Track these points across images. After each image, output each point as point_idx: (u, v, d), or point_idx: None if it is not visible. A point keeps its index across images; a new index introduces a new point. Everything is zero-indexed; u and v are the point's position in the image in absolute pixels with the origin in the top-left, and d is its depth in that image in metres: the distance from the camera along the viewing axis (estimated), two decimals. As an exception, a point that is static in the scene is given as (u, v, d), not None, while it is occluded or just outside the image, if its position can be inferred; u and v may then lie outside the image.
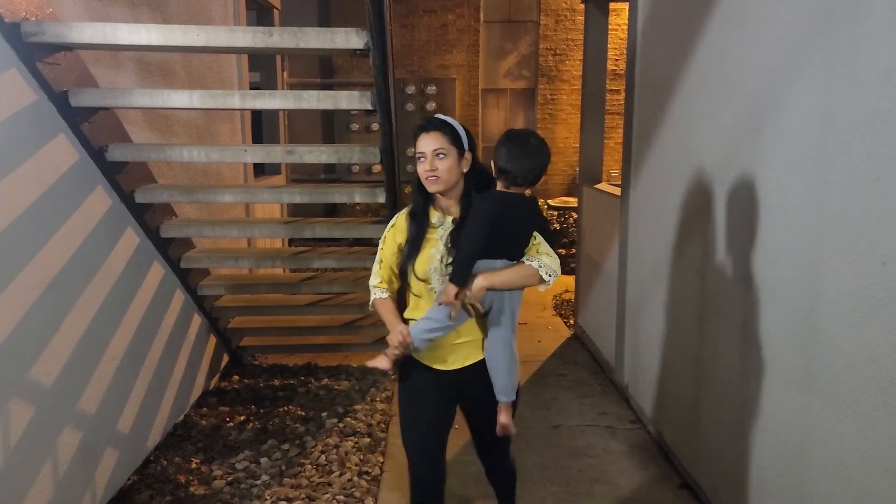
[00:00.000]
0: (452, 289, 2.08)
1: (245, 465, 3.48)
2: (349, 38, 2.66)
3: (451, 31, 10.67)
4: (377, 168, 9.91)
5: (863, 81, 1.90)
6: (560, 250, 8.06)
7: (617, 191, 4.50)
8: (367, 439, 3.74)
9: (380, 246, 2.35)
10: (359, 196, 3.50)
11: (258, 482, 3.31)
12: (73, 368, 2.83)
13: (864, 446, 1.91)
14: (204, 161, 3.50)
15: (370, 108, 2.95)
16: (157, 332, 3.67)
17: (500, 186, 2.16)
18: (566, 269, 7.70)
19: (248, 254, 4.32)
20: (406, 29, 10.56)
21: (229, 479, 3.35)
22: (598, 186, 5.14)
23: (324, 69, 10.70)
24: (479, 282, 2.10)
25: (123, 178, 3.19)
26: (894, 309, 1.78)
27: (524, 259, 2.17)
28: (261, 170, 6.62)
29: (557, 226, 8.42)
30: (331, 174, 10.53)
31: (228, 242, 4.86)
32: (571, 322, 5.90)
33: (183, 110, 4.14)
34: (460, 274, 2.09)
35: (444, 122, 2.18)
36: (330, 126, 10.68)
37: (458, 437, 3.71)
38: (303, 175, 10.16)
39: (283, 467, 3.45)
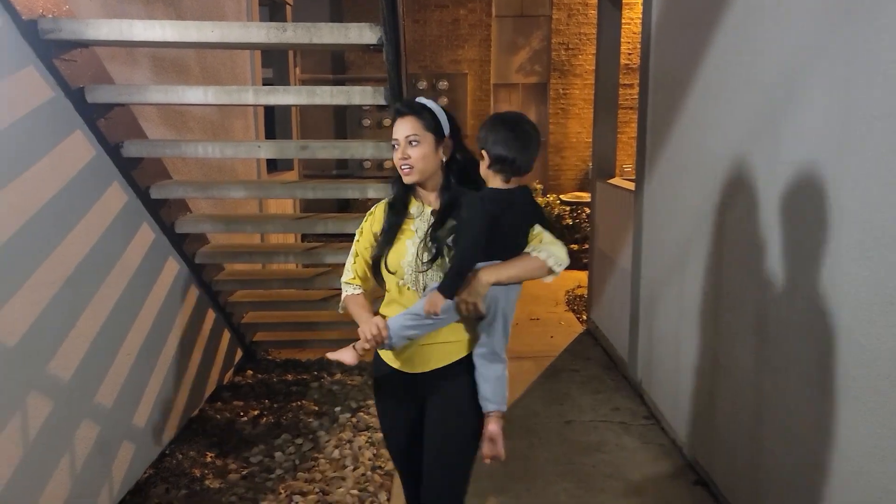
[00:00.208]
0: (439, 299, 1.88)
1: (259, 458, 3.50)
2: (363, 34, 2.66)
3: (463, 26, 10.64)
4: (389, 164, 9.92)
5: (883, 74, 1.87)
6: (573, 246, 8.06)
7: (631, 186, 4.48)
8: (380, 434, 3.75)
9: (356, 238, 2.18)
10: (371, 191, 3.50)
11: (273, 476, 3.33)
12: (90, 363, 2.85)
13: (884, 445, 1.89)
14: (218, 157, 3.52)
15: (383, 103, 2.95)
16: (172, 327, 3.69)
17: (494, 178, 1.95)
18: (579, 265, 7.68)
19: (261, 249, 4.34)
20: (418, 24, 10.54)
21: (244, 472, 3.37)
22: (612, 181, 5.12)
23: (336, 65, 10.71)
24: (484, 277, 1.88)
25: (139, 175, 3.21)
26: (914, 305, 1.76)
27: (528, 250, 1.95)
28: (273, 166, 6.65)
29: (570, 221, 8.40)
30: (343, 170, 10.54)
31: (242, 238, 4.88)
32: (584, 317, 5.88)
33: (197, 107, 4.15)
34: (452, 284, 1.88)
35: (421, 105, 2.00)
36: (342, 122, 10.69)
37: (472, 432, 3.72)
38: (315, 171, 10.19)
39: (297, 461, 3.47)
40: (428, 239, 1.99)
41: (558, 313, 6.16)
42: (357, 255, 2.16)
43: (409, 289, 2.03)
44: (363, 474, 3.35)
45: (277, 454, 3.53)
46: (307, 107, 8.98)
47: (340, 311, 2.22)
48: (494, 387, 2.01)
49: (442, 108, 2.04)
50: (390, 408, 2.19)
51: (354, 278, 2.18)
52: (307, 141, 3.28)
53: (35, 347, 2.49)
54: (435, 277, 1.98)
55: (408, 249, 2.01)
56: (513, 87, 10.88)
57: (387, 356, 2.12)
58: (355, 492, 3.19)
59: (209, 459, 3.52)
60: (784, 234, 2.40)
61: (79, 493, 2.76)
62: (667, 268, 3.70)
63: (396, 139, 1.99)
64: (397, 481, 3.28)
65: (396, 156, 1.99)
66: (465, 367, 2.04)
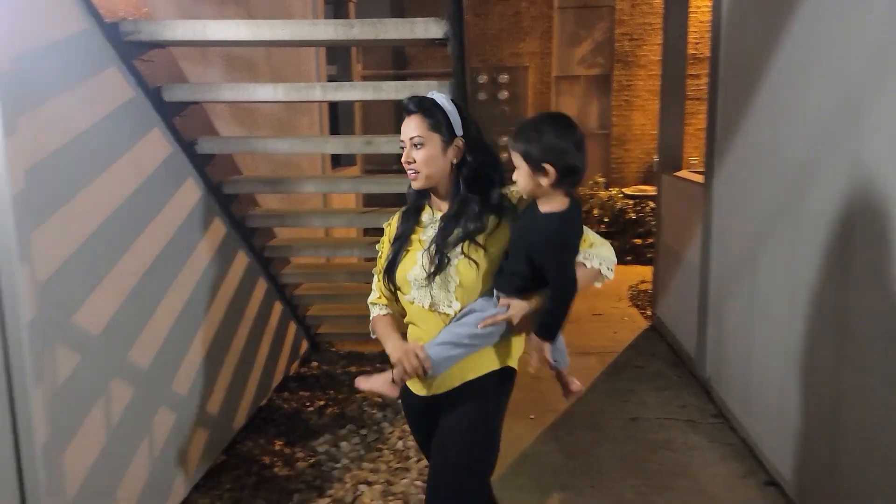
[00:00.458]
0: (545, 347, 1.77)
1: (325, 448, 3.58)
2: (428, 28, 2.68)
3: (525, 18, 10.57)
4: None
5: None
6: (636, 240, 7.92)
7: (699, 178, 4.37)
8: (444, 427, 3.78)
9: (378, 253, 2.04)
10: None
11: (338, 465, 3.40)
12: (167, 352, 2.97)
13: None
14: (286, 152, 3.60)
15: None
16: (241, 318, 3.80)
17: (554, 193, 1.74)
18: (642, 259, 7.55)
19: (326, 243, 4.43)
20: (479, 18, 10.52)
21: (311, 461, 3.45)
22: (679, 174, 5.00)
23: (397, 61, 10.80)
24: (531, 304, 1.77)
25: (212, 170, 3.32)
26: None
27: (579, 259, 1.81)
28: (337, 161, 6.75)
29: (633, 215, 8.25)
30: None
31: (307, 232, 4.98)
32: (648, 313, 5.78)
33: (265, 104, 4.26)
34: (553, 325, 1.76)
35: (430, 102, 1.84)
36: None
37: (534, 427, 3.72)
38: (375, 166, 10.29)
39: (362, 452, 3.53)
40: (432, 247, 1.83)
41: (621, 308, 6.06)
42: (380, 271, 2.01)
43: (421, 306, 1.88)
44: (426, 466, 3.37)
45: (343, 444, 3.60)
46: (370, 102, 9.08)
47: (373, 336, 2.06)
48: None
49: (455, 103, 1.87)
50: (412, 423, 2.08)
51: (380, 297, 2.06)
52: (372, 136, 3.32)
53: (117, 335, 2.61)
54: (440, 294, 1.84)
55: (416, 262, 1.87)
56: (574, 80, 10.74)
57: (411, 382, 1.96)
58: (419, 483, 3.22)
59: (277, 448, 3.62)
60: (867, 228, 2.30)
61: (157, 477, 2.88)
62: (738, 262, 3.60)
63: (402, 140, 1.86)
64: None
65: (402, 158, 1.86)
66: (483, 385, 1.89)
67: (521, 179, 1.76)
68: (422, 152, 1.82)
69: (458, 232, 1.83)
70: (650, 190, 8.46)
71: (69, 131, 2.30)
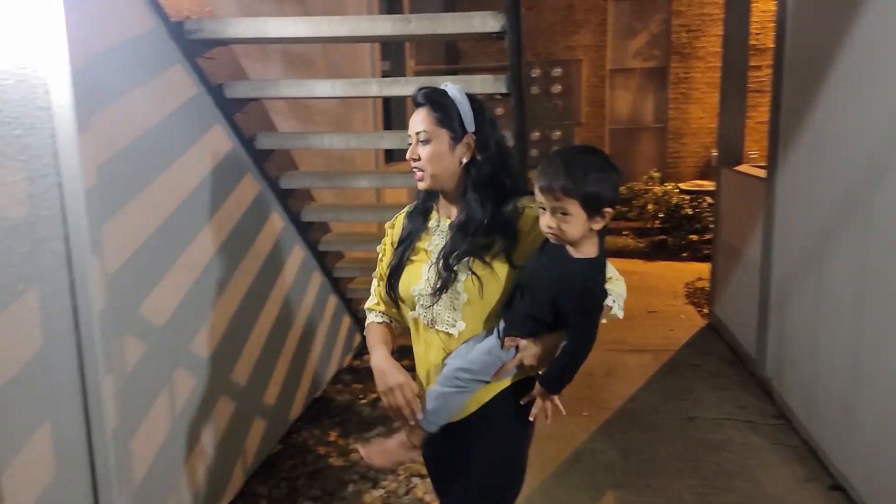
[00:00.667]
0: (551, 398, 1.64)
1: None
2: (486, 22, 2.67)
3: (578, 11, 10.43)
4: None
5: None
6: (692, 236, 7.75)
7: (761, 173, 4.24)
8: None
9: (379, 256, 1.89)
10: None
11: (392, 458, 3.43)
12: (226, 343, 3.04)
13: None
14: (342, 148, 3.64)
15: (504, 91, 2.94)
16: (297, 311, 3.87)
17: (592, 237, 1.55)
18: (699, 256, 7.39)
19: (379, 237, 4.45)
20: (532, 11, 10.42)
21: (365, 453, 3.49)
22: (740, 168, 4.87)
23: (449, 55, 10.80)
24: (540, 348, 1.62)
25: (270, 166, 3.38)
26: None
27: None
28: (390, 156, 6.80)
29: (689, 211, 8.07)
30: (454, 159, 10.63)
31: (360, 227, 5.03)
32: (706, 311, 5.65)
33: (322, 100, 4.31)
34: (562, 379, 1.62)
35: (440, 94, 1.67)
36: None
37: (588, 424, 3.68)
38: (428, 161, 10.35)
39: (416, 445, 3.55)
40: (440, 262, 1.66)
41: (677, 306, 5.95)
42: (381, 277, 1.86)
43: (424, 323, 1.74)
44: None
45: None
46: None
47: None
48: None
49: (470, 96, 1.69)
50: (425, 452, 1.87)
51: (378, 303, 1.89)
52: (427, 131, 3.33)
53: (182, 324, 2.68)
54: (445, 313, 1.70)
55: (421, 274, 1.72)
56: (629, 73, 10.56)
57: None
58: (472, 477, 3.23)
59: (332, 438, 3.67)
60: (944, 224, 2.20)
61: (218, 464, 2.96)
62: (801, 260, 3.48)
63: (409, 135, 1.70)
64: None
65: (407, 155, 1.71)
66: (502, 403, 1.74)
67: (574, 229, 1.51)
68: (427, 149, 1.65)
69: (465, 246, 1.65)
70: (707, 185, 8.26)
71: (137, 128, 2.37)
